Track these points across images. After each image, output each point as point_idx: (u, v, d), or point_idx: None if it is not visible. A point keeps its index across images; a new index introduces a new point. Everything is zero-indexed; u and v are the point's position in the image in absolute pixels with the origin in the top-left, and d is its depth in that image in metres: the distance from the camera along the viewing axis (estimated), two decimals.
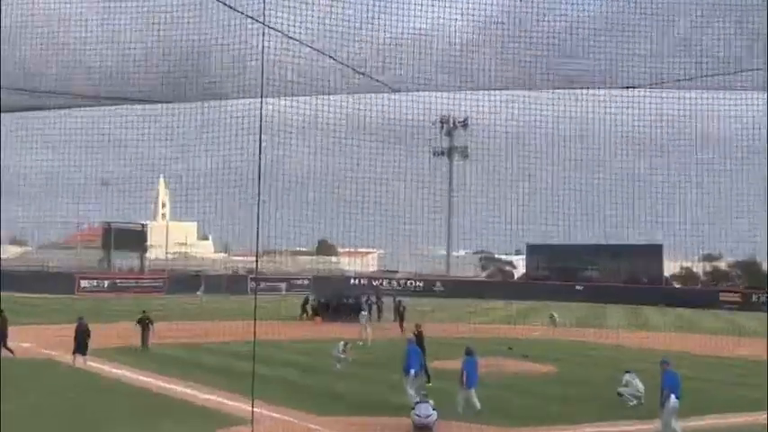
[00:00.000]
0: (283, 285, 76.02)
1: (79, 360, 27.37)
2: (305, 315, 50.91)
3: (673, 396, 18.38)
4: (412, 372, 21.88)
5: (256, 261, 21.58)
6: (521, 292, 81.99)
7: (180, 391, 23.71)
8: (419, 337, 25.29)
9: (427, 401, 18.70)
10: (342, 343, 31.15)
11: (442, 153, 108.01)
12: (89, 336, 27.58)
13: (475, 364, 21.13)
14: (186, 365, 28.13)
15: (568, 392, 24.19)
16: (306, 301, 52.43)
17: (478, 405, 20.68)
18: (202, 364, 28.52)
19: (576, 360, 31.62)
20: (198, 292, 73.57)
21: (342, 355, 30.89)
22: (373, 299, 50.70)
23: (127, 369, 27.38)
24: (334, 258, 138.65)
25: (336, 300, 52.07)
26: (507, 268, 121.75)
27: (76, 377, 25.33)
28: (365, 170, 23.67)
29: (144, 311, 32.83)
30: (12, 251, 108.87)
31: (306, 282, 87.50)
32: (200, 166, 22.90)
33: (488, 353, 32.10)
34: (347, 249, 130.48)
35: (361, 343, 31.31)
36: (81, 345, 27.63)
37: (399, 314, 43.93)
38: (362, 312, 40.64)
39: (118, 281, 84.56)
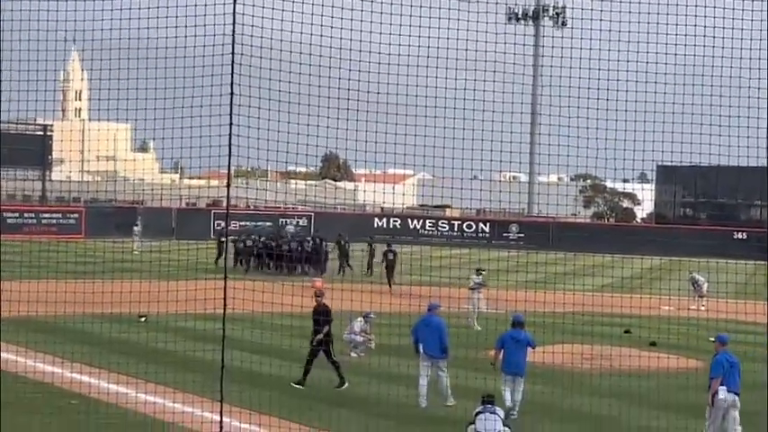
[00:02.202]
0: (277, 226, 76.90)
1: None
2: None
3: (722, 389, 20.76)
4: (420, 348, 24.54)
5: (228, 186, 21.88)
6: (646, 243, 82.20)
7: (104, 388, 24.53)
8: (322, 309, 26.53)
9: (494, 411, 19.07)
10: (361, 318, 31.70)
11: (525, 17, 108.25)
12: None
13: (522, 341, 23.76)
14: (111, 351, 28.88)
15: None
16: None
17: (518, 399, 23.49)
18: (138, 348, 29.27)
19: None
20: (134, 233, 74.33)
21: (359, 337, 31.56)
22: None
23: (27, 355, 28.13)
24: (349, 184, 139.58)
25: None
26: (626, 204, 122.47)
27: None
28: (398, 44, 23.76)
29: None
30: None
31: (302, 221, 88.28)
32: (142, 33, 23.02)
33: (594, 336, 32.59)
34: (368, 171, 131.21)
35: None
36: None
37: (387, 267, 52.03)
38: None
39: (7, 215, 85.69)
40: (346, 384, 26.18)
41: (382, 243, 57.90)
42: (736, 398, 21.16)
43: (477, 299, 39.07)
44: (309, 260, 58.10)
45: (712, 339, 22.48)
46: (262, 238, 60.55)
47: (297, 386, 25.95)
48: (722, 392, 20.81)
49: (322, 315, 26.20)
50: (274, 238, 61.82)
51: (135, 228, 75.14)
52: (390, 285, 51.16)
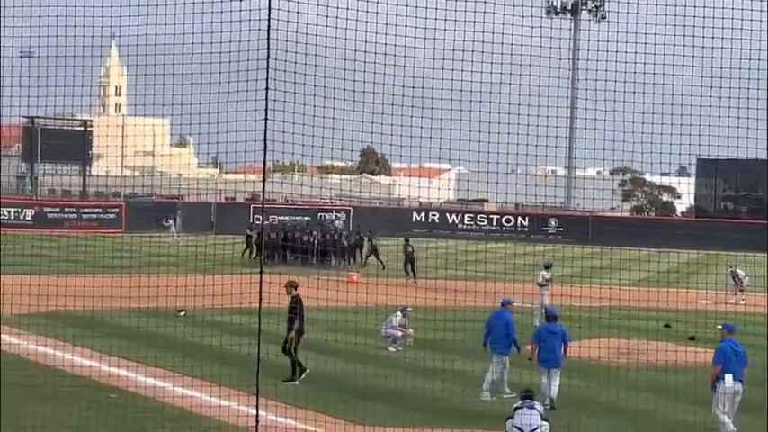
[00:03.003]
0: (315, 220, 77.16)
1: None
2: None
3: (729, 377, 20.93)
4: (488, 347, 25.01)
5: (264, 181, 21.96)
6: (685, 237, 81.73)
7: (142, 382, 24.76)
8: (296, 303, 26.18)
9: (533, 405, 19.04)
10: (399, 312, 31.74)
11: (563, 10, 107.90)
12: None
13: (558, 334, 24.15)
14: (149, 345, 29.22)
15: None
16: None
17: (555, 393, 23.64)
18: (176, 342, 29.47)
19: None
20: (169, 225, 74.77)
21: (398, 332, 31.59)
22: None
23: (65, 349, 28.33)
24: (386, 179, 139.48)
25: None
26: (665, 198, 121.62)
27: None
28: (433, 38, 23.75)
29: None
30: None
31: (341, 216, 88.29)
32: (178, 29, 23.10)
33: (630, 331, 32.37)
34: (405, 166, 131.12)
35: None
36: None
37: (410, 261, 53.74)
38: None
39: (47, 209, 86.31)
40: (296, 382, 25.79)
41: (399, 237, 58.78)
42: (741, 385, 21.34)
43: (544, 295, 38.82)
44: (335, 253, 59.18)
45: (720, 327, 22.64)
46: (285, 232, 61.69)
47: (293, 382, 25.70)
48: (729, 380, 20.93)
49: (297, 306, 26.01)
50: (300, 231, 62.87)
51: (167, 222, 75.65)
52: (414, 278, 52.37)
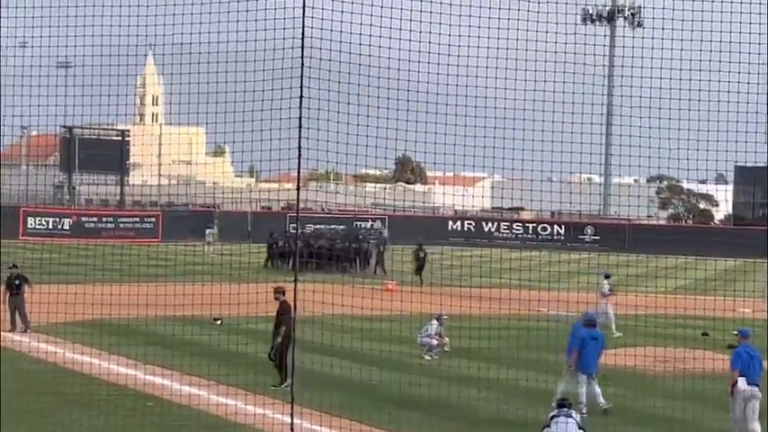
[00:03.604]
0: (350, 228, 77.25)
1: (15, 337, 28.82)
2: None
3: (741, 380, 20.89)
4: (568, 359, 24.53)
5: (298, 189, 21.96)
6: (722, 244, 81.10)
7: (176, 390, 24.85)
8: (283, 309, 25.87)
9: (570, 414, 18.93)
10: (435, 321, 31.74)
11: (599, 18, 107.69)
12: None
13: (599, 340, 24.19)
14: (185, 353, 29.36)
15: None
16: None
17: (601, 398, 23.76)
18: (212, 350, 29.57)
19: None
20: (207, 236, 75.11)
21: (434, 340, 31.57)
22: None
23: (102, 358, 28.50)
24: (422, 187, 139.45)
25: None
26: (703, 205, 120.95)
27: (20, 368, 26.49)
28: (467, 46, 23.75)
29: (13, 266, 33.51)
30: None
31: (377, 224, 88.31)
32: (213, 37, 23.21)
33: (667, 339, 32.17)
34: (441, 174, 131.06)
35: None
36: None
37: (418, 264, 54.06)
38: None
39: (85, 219, 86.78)
40: (285, 384, 24.81)
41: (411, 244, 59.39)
42: (756, 389, 21.28)
43: (605, 304, 38.57)
44: (353, 260, 60.22)
45: (735, 332, 22.65)
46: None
47: (277, 387, 25.35)
48: (741, 383, 20.89)
49: (285, 314, 25.72)
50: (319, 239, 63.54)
51: (207, 231, 76.13)
52: (421, 282, 52.38)
